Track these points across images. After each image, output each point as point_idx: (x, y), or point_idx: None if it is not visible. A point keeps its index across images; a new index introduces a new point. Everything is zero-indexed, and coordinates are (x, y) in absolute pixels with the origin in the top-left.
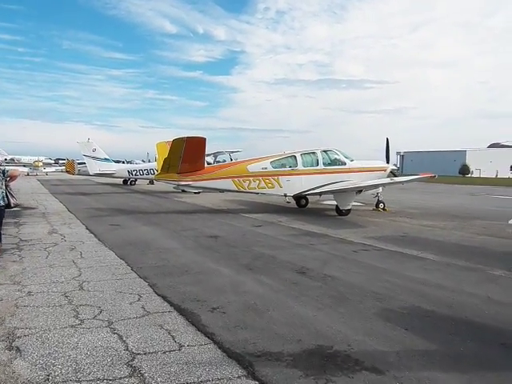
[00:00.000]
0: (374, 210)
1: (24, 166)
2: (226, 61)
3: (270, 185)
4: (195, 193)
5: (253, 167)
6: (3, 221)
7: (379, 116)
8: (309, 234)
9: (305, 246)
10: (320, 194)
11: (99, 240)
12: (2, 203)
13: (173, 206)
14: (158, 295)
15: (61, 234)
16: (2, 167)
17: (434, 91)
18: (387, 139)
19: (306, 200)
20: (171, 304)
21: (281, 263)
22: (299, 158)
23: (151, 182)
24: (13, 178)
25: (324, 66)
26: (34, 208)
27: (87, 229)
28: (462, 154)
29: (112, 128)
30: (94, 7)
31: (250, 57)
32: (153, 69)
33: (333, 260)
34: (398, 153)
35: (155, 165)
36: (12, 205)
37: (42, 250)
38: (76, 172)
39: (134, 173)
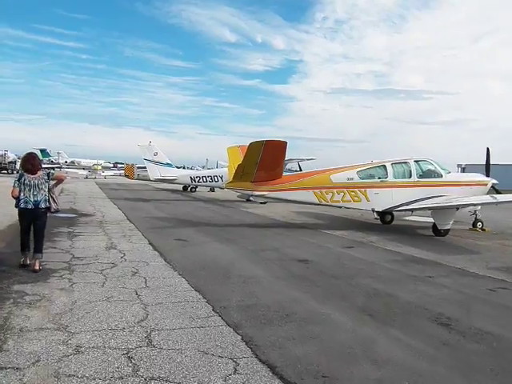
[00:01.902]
0: (470, 229)
1: (83, 168)
2: (284, 70)
3: (355, 198)
4: (261, 203)
5: (337, 177)
6: (56, 230)
7: (438, 127)
8: (415, 260)
9: (422, 280)
10: (412, 210)
11: (166, 261)
12: (43, 206)
13: (242, 217)
14: (263, 363)
15: (120, 251)
16: (47, 170)
17: (495, 103)
18: (488, 149)
19: (392, 216)
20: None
21: (406, 307)
22: (390, 168)
23: (212, 190)
24: (58, 181)
25: (382, 76)
26: (91, 215)
27: (150, 244)
28: None
29: (170, 134)
30: (155, 16)
31: (308, 66)
32: (211, 77)
33: (473, 303)
34: (458, 165)
35: (219, 171)
36: (52, 209)
37: (97, 273)
38: (135, 177)
39: (196, 179)
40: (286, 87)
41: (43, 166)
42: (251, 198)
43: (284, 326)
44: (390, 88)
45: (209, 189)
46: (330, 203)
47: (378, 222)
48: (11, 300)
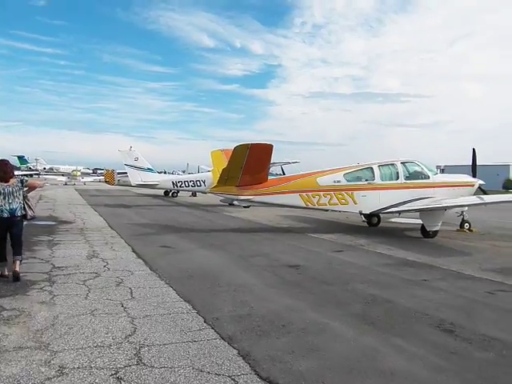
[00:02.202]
0: (458, 230)
1: (62, 175)
2: (263, 74)
3: (343, 201)
4: (245, 207)
5: (323, 180)
6: (35, 238)
7: (416, 129)
8: (409, 263)
9: (419, 284)
10: (399, 212)
11: (151, 269)
12: (19, 214)
13: (226, 222)
14: (264, 380)
15: (103, 259)
16: (21, 177)
17: (471, 105)
18: (473, 150)
19: (379, 218)
20: None
21: (406, 313)
22: (377, 171)
23: (194, 194)
24: (31, 188)
25: (360, 80)
26: (71, 222)
27: (134, 251)
28: (506, 168)
29: (150, 139)
30: (133, 21)
31: (287, 70)
32: (191, 82)
33: (473, 307)
34: (438, 166)
35: (201, 176)
36: (28, 217)
37: (80, 285)
38: (116, 182)
39: (178, 184)
40: (265, 92)
41: (21, 172)
42: (235, 203)
43: (282, 337)
44: (367, 91)
45: (190, 193)
46: (316, 206)
47: (365, 224)
48: None
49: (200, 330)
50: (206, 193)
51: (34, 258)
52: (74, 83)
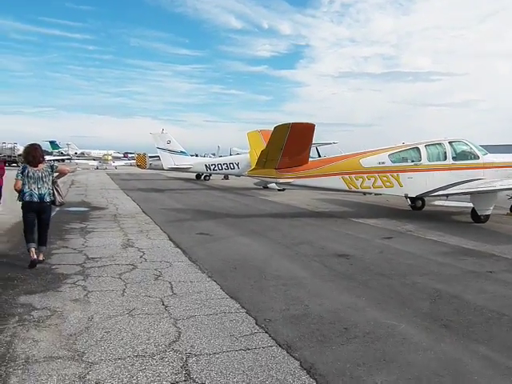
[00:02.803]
0: (508, 214)
1: (93, 159)
2: (291, 55)
3: (388, 183)
4: (279, 190)
5: (367, 161)
6: (67, 226)
7: (447, 109)
8: (465, 252)
9: (484, 276)
10: (447, 195)
11: (191, 260)
12: (48, 199)
13: (263, 206)
14: None
15: (138, 249)
16: (51, 162)
17: (503, 83)
18: None
19: (423, 201)
20: None
21: (482, 313)
22: (423, 151)
23: (226, 177)
24: (61, 174)
25: (390, 59)
26: (103, 208)
27: (170, 240)
28: None
29: (178, 122)
30: (161, 5)
31: (315, 50)
32: (218, 64)
33: None
34: None
35: (235, 158)
36: (57, 203)
37: (115, 278)
38: (147, 166)
39: (211, 167)
40: (293, 72)
41: (53, 157)
42: (269, 185)
43: (346, 344)
44: (397, 71)
45: (222, 176)
46: (360, 189)
47: (409, 208)
48: (16, 317)
49: (252, 334)
50: (239, 176)
51: (67, 247)
52: (102, 68)
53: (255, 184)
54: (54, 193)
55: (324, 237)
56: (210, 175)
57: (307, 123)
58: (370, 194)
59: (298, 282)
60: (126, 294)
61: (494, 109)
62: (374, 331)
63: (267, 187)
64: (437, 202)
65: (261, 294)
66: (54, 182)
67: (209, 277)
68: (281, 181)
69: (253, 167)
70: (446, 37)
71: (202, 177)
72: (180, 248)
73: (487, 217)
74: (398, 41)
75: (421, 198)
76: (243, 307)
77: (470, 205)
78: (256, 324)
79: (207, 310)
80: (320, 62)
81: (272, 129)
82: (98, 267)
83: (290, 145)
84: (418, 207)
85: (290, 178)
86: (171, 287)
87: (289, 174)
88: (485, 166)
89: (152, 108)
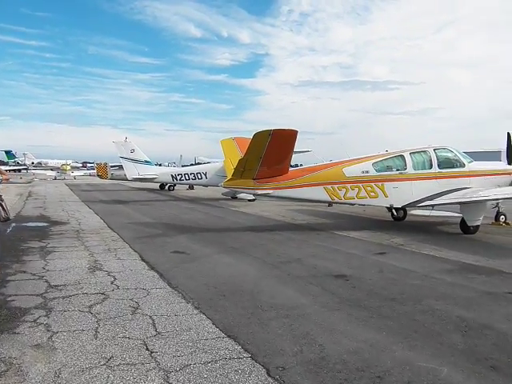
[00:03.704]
0: (493, 224)
1: (51, 169)
2: (251, 64)
3: (372, 194)
4: (249, 200)
5: (350, 170)
6: (25, 245)
7: (405, 117)
8: (471, 269)
9: (505, 298)
10: (434, 205)
11: (170, 286)
12: None
13: (236, 218)
14: None
15: (108, 273)
16: None
17: (459, 91)
18: (508, 134)
19: (405, 211)
20: None
21: None
22: (408, 159)
23: (191, 187)
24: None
25: (348, 68)
26: (64, 223)
27: (143, 260)
28: (497, 154)
29: (137, 131)
30: (119, 12)
31: (275, 59)
32: (178, 72)
33: None
34: None
35: (203, 168)
36: (2, 219)
37: (84, 313)
38: (109, 176)
39: (178, 177)
40: (253, 81)
41: (9, 168)
42: (239, 196)
43: None
44: (356, 79)
45: (187, 187)
46: (343, 200)
47: (389, 218)
48: None
49: None
50: (207, 186)
51: (24, 272)
52: (59, 75)
53: (223, 194)
54: None
55: (312, 254)
56: (175, 185)
57: (290, 129)
58: (353, 205)
59: (301, 312)
60: (99, 334)
61: (450, 117)
62: (414, 380)
63: (236, 197)
64: (415, 212)
65: (262, 330)
66: None
67: (195, 308)
68: (259, 192)
69: (229, 177)
70: (402, 46)
71: (166, 187)
72: (156, 271)
73: (477, 227)
74: (356, 50)
75: (403, 208)
76: (246, 350)
77: (452, 214)
78: (268, 375)
79: (203, 355)
80: (280, 71)
81: (234, 137)
82: (63, 298)
83: (271, 153)
84: (399, 218)
85: (269, 188)
86: (153, 324)
87: (268, 185)
88: (471, 174)
89: (111, 117)
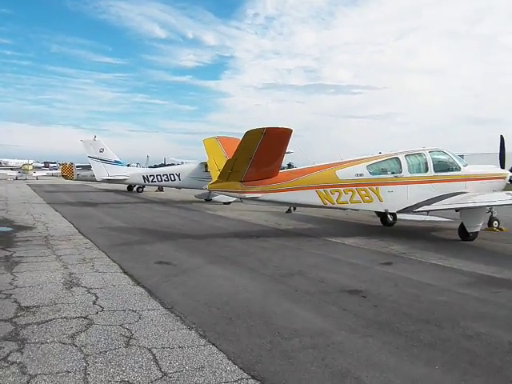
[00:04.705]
0: (486, 229)
1: (11, 169)
2: (216, 66)
3: (366, 198)
4: (224, 203)
5: (344, 173)
6: None
7: (367, 121)
8: (490, 281)
9: None
10: (429, 211)
11: (164, 306)
12: None
13: (216, 223)
14: None
15: (88, 289)
16: None
17: (419, 97)
18: (502, 137)
19: (395, 216)
20: None
21: None
22: (403, 161)
23: (160, 189)
24: None
25: (312, 72)
26: (30, 228)
27: (125, 273)
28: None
29: (101, 132)
30: (83, 11)
31: (239, 62)
32: (142, 73)
33: None
34: None
35: (176, 169)
36: None
37: (67, 346)
38: (75, 177)
39: (150, 178)
40: (217, 83)
41: None
42: (213, 198)
43: None
44: (320, 83)
45: (156, 188)
46: (336, 205)
47: (378, 223)
48: None
49: None
50: (180, 188)
51: None
52: (20, 74)
53: (196, 196)
54: None
55: (312, 264)
56: (144, 187)
57: (284, 128)
58: (345, 209)
59: (328, 339)
60: (90, 378)
61: (410, 122)
62: None
63: (210, 200)
64: (402, 216)
65: (291, 366)
66: None
67: (201, 336)
68: (247, 196)
69: (214, 179)
70: (365, 52)
71: (135, 188)
72: (142, 286)
73: (476, 234)
74: (321, 54)
75: (393, 213)
76: None
77: (440, 219)
78: None
79: None
80: (244, 74)
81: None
82: (38, 324)
83: (262, 153)
84: (389, 223)
85: (257, 191)
86: (155, 360)
87: (256, 188)
88: (467, 178)
89: (73, 116)
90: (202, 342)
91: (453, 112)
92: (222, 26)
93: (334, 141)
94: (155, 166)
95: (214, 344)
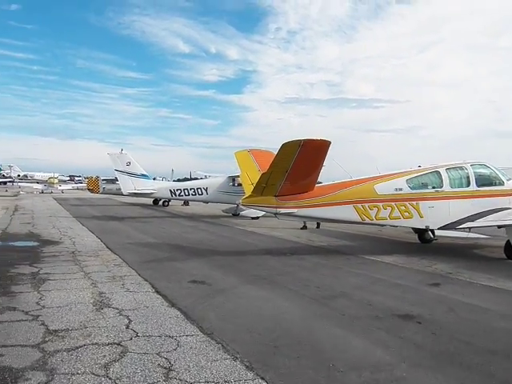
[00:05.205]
0: None
1: (37, 182)
2: (238, 80)
3: (406, 213)
4: (253, 218)
5: (382, 188)
6: (13, 271)
7: (390, 134)
8: None
9: None
10: (470, 228)
11: (202, 331)
12: None
13: (246, 239)
14: None
15: (119, 311)
16: None
17: (442, 111)
18: None
19: (433, 233)
20: None
21: None
22: (445, 175)
23: (186, 203)
24: None
25: (335, 86)
26: (57, 242)
27: (158, 292)
28: None
29: (125, 146)
30: (107, 27)
31: (262, 76)
32: (165, 88)
33: None
34: None
35: (203, 183)
36: None
37: (100, 378)
38: (100, 190)
39: (177, 192)
40: (240, 97)
41: None
42: (242, 213)
43: None
44: (342, 97)
45: (182, 202)
46: (374, 221)
47: (416, 240)
48: None
49: None
50: (207, 202)
51: (14, 309)
52: (46, 88)
53: (224, 211)
54: None
55: (354, 285)
56: (170, 201)
57: (322, 140)
58: (384, 226)
59: (392, 375)
60: None
61: (432, 135)
62: None
63: (238, 214)
64: (440, 233)
65: None
66: None
67: (248, 368)
68: (282, 211)
69: (247, 194)
70: (388, 65)
71: (161, 202)
72: (178, 308)
73: None
74: (343, 68)
75: (432, 229)
76: None
77: (479, 236)
78: None
79: None
80: (267, 88)
81: (249, 148)
82: (68, 351)
83: (299, 166)
84: (427, 240)
85: (292, 207)
86: None
87: (291, 203)
88: (510, 193)
89: (98, 130)
90: (250, 375)
91: (475, 125)
92: (244, 41)
93: (356, 154)
94: (179, 180)
95: (263, 379)
